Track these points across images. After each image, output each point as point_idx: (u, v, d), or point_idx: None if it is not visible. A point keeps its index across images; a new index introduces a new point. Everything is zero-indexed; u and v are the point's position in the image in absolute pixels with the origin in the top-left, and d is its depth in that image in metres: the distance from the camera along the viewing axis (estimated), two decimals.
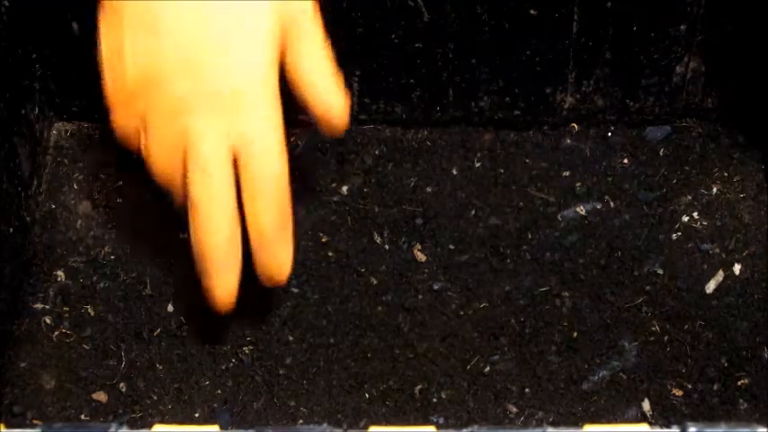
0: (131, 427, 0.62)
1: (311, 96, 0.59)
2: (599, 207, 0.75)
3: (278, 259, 0.58)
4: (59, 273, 0.73)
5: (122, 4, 0.56)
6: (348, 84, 0.76)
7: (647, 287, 0.72)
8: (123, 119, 0.58)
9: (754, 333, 0.70)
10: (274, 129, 0.55)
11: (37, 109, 0.77)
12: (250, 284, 0.73)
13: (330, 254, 0.74)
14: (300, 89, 0.59)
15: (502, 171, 0.77)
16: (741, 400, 0.67)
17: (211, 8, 0.55)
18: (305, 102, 0.59)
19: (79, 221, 0.76)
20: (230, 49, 0.54)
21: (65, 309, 0.72)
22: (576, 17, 0.72)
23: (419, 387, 0.69)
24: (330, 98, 0.59)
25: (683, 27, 0.72)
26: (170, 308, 0.72)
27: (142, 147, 0.57)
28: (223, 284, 0.58)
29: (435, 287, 0.72)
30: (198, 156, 0.54)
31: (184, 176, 0.56)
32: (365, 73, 0.76)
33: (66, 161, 0.78)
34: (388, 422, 0.67)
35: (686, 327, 0.70)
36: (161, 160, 0.56)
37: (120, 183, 0.77)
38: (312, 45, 0.58)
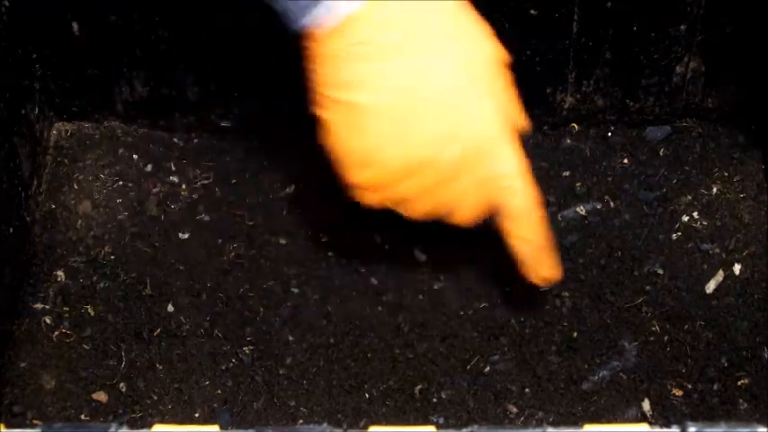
0: (131, 427, 0.62)
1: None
2: (599, 207, 0.75)
3: (549, 262, 0.64)
4: (59, 273, 0.73)
5: (359, 105, 0.57)
6: None
7: (647, 287, 0.72)
8: (380, 197, 0.60)
9: (754, 333, 0.70)
10: (523, 165, 0.60)
11: (37, 109, 0.77)
12: (250, 285, 0.73)
13: (330, 254, 0.74)
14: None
15: None
16: (741, 400, 0.67)
17: (448, 82, 0.57)
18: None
19: (79, 221, 0.76)
20: (475, 114, 0.57)
21: (65, 309, 0.72)
22: (576, 17, 0.72)
23: (419, 387, 0.69)
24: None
25: (683, 27, 0.72)
26: (170, 308, 0.72)
27: (408, 209, 0.61)
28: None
29: (435, 287, 0.72)
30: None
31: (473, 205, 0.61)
32: None
33: (66, 161, 0.78)
34: (388, 422, 0.67)
35: (686, 327, 0.70)
36: (435, 210, 0.61)
37: (120, 183, 0.77)
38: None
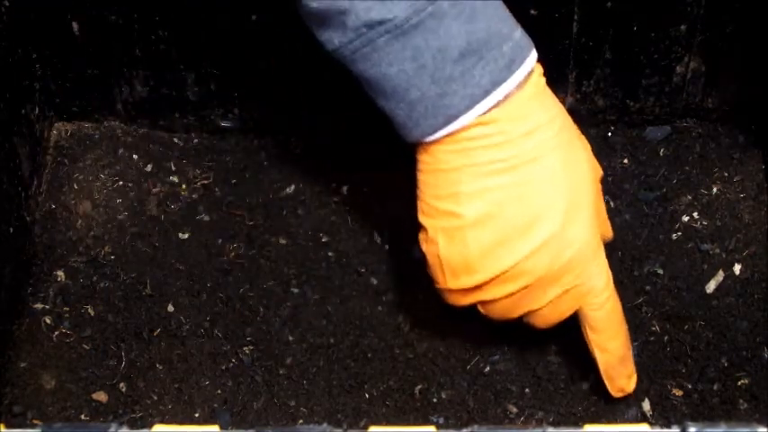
0: (131, 427, 0.62)
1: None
2: None
3: (627, 373, 0.66)
4: (59, 273, 0.73)
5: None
6: (348, 84, 0.76)
7: (647, 287, 0.72)
8: (470, 300, 0.63)
9: (754, 333, 0.70)
10: (609, 278, 0.63)
11: (37, 109, 0.77)
12: (250, 285, 0.73)
13: (330, 254, 0.74)
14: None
15: None
16: (741, 400, 0.67)
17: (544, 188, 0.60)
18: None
19: (79, 221, 0.76)
20: (576, 229, 0.61)
21: (65, 309, 0.72)
22: (576, 17, 0.72)
23: (419, 387, 0.69)
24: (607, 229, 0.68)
25: (683, 27, 0.72)
26: (170, 308, 0.72)
27: (495, 311, 0.64)
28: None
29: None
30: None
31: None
32: None
33: (66, 161, 0.78)
34: (388, 422, 0.67)
35: (686, 327, 0.70)
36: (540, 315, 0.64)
37: (120, 183, 0.77)
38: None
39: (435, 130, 0.58)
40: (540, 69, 0.61)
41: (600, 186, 0.65)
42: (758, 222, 0.74)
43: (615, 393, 0.66)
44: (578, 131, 0.64)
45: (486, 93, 0.57)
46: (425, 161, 0.61)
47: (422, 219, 0.62)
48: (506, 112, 0.58)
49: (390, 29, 0.56)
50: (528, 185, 0.59)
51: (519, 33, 0.60)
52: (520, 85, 0.59)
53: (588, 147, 0.64)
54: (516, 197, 0.59)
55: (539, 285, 0.61)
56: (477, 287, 0.62)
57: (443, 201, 0.60)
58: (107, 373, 0.69)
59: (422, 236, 0.63)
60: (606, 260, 0.62)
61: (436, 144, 0.59)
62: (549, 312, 0.63)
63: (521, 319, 0.64)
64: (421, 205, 0.62)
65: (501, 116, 0.58)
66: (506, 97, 0.58)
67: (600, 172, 0.65)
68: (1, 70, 0.71)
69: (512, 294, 0.61)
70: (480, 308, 0.63)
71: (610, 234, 0.67)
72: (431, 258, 0.63)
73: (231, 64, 0.75)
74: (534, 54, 0.60)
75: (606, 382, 0.65)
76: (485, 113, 0.58)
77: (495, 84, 0.58)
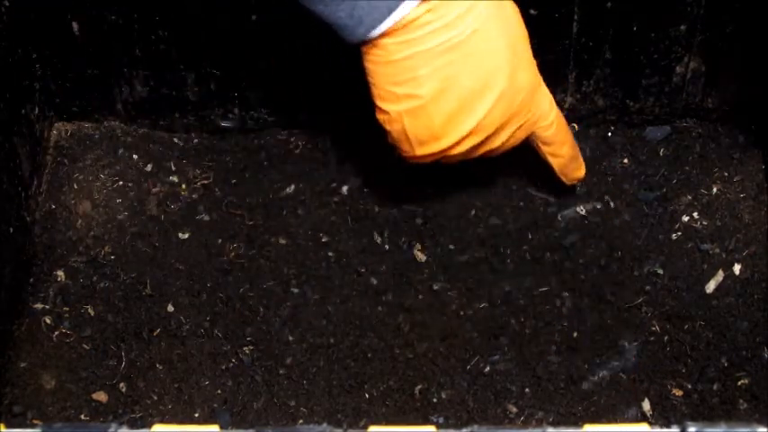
0: (131, 427, 0.62)
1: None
2: (599, 207, 0.75)
3: (577, 166, 0.73)
4: (59, 273, 0.73)
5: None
6: (348, 84, 0.76)
7: (647, 287, 0.72)
8: (436, 158, 0.68)
9: (754, 333, 0.70)
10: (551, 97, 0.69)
11: (37, 109, 0.77)
12: (250, 284, 0.73)
13: (330, 254, 0.74)
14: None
15: (502, 171, 0.77)
16: (741, 400, 0.67)
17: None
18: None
19: (79, 221, 0.76)
20: (518, 77, 0.65)
21: (65, 309, 0.72)
22: (576, 17, 0.72)
23: (419, 387, 0.69)
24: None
25: (683, 27, 0.72)
26: (170, 308, 0.72)
27: (457, 160, 0.68)
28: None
29: (435, 287, 0.72)
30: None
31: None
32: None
33: (66, 161, 0.78)
34: (388, 422, 0.67)
35: (686, 327, 0.70)
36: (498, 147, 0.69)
37: (120, 183, 0.77)
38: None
39: (379, 22, 0.61)
40: None
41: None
42: (758, 222, 0.74)
43: (570, 183, 0.74)
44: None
45: None
46: (376, 54, 0.63)
47: (381, 104, 0.66)
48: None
49: None
50: (474, 56, 0.63)
51: None
52: None
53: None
54: (466, 68, 0.63)
55: (496, 132, 0.66)
56: (447, 148, 0.66)
57: (402, 86, 0.64)
58: (107, 373, 0.69)
59: (382, 117, 0.66)
60: (544, 83, 0.67)
61: (384, 38, 0.62)
62: (505, 146, 0.68)
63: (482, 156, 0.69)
64: (377, 92, 0.65)
65: (438, 2, 0.61)
66: None
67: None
68: (1, 70, 0.71)
69: (476, 145, 0.66)
70: (448, 161, 0.68)
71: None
72: (396, 134, 0.66)
73: (231, 64, 0.75)
74: None
75: (561, 177, 0.73)
76: (423, 1, 0.61)
77: None
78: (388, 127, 0.66)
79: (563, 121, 0.70)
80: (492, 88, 0.64)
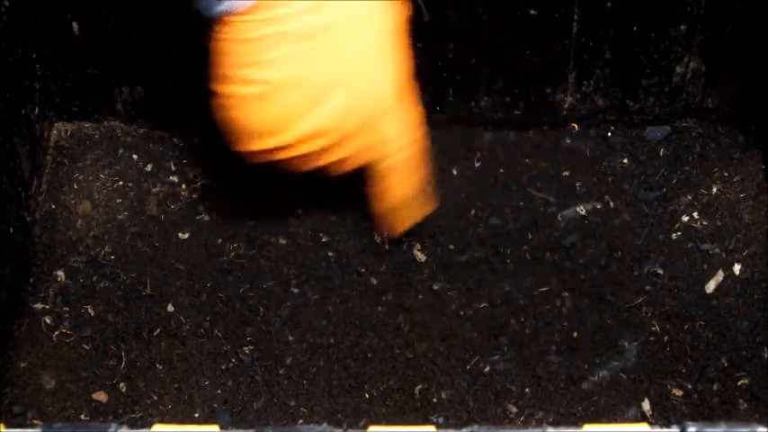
0: (131, 427, 0.62)
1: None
2: (599, 207, 0.75)
3: (398, 221, 0.70)
4: (59, 273, 0.73)
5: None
6: None
7: (647, 287, 0.72)
8: (274, 158, 0.65)
9: (754, 333, 0.70)
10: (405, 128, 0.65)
11: (37, 109, 0.77)
12: (250, 285, 0.73)
13: (330, 254, 0.74)
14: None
15: (502, 171, 0.77)
16: (741, 400, 0.67)
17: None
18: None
19: (79, 221, 0.76)
20: (376, 87, 0.62)
21: (65, 309, 0.72)
22: (576, 17, 0.72)
23: (419, 387, 0.69)
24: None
25: (683, 27, 0.72)
26: (170, 308, 0.72)
27: (297, 167, 0.66)
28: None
29: (435, 287, 0.72)
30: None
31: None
32: None
33: (66, 161, 0.78)
34: (388, 422, 0.67)
35: (686, 327, 0.70)
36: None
37: (120, 183, 0.77)
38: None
39: (238, 4, 0.58)
40: None
41: (404, 30, 0.64)
42: (758, 222, 0.74)
43: (378, 234, 0.70)
44: None
45: None
46: (224, 31, 0.60)
47: (224, 87, 0.62)
48: None
49: None
50: (330, 50, 0.59)
51: None
52: None
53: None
54: (320, 62, 0.60)
55: (339, 143, 0.63)
56: (280, 147, 0.62)
57: (247, 68, 0.60)
58: (107, 373, 0.69)
59: (223, 101, 0.63)
60: (408, 110, 0.64)
61: (239, 15, 0.59)
62: (346, 163, 0.65)
63: (320, 171, 0.65)
64: (223, 72, 0.62)
65: None
66: None
67: (404, 13, 0.65)
68: (1, 70, 0.71)
69: (311, 153, 0.63)
70: (281, 164, 0.64)
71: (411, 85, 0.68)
72: (233, 123, 0.63)
73: None
74: None
75: (376, 222, 0.70)
76: None
77: None
78: (226, 113, 0.63)
79: (411, 162, 0.66)
80: (343, 90, 0.60)
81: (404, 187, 0.66)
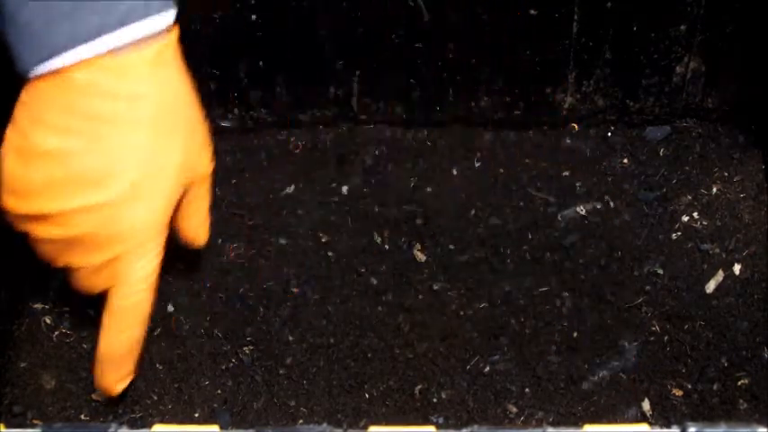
0: (131, 427, 0.62)
1: (185, 228, 0.67)
2: (599, 207, 0.75)
3: (118, 375, 0.66)
4: (59, 273, 0.73)
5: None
6: (348, 84, 0.76)
7: (647, 287, 0.72)
8: (24, 226, 0.63)
9: (754, 333, 0.70)
10: (152, 277, 0.63)
11: None
12: (250, 285, 0.73)
13: (330, 254, 0.74)
14: (180, 220, 0.66)
15: (502, 171, 0.77)
16: (741, 400, 0.67)
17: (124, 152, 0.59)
18: (179, 227, 0.67)
19: None
20: (140, 197, 0.59)
21: (65, 309, 0.72)
22: (576, 17, 0.72)
23: (419, 387, 0.69)
24: (198, 235, 0.69)
25: (683, 27, 0.72)
26: (170, 308, 0.72)
27: (41, 248, 0.63)
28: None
29: (435, 287, 0.72)
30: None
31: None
32: (365, 73, 0.76)
33: None
34: (388, 422, 0.67)
35: (686, 327, 0.70)
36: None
37: None
38: (201, 201, 0.67)
39: (37, 63, 0.56)
40: (172, 43, 0.59)
41: (201, 190, 0.65)
42: (758, 222, 0.74)
43: (96, 387, 0.66)
44: (201, 129, 0.63)
45: (91, 37, 0.55)
46: (27, 87, 0.58)
47: (8, 131, 0.60)
48: (113, 65, 0.56)
49: None
50: (107, 143, 0.57)
51: None
52: (137, 45, 0.57)
53: (205, 147, 0.64)
54: (92, 149, 0.57)
55: (81, 245, 0.60)
56: (29, 217, 0.60)
57: (27, 121, 0.58)
58: None
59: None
60: (159, 260, 0.62)
61: (40, 80, 0.57)
62: (84, 277, 0.62)
63: (67, 272, 0.63)
64: (11, 120, 0.59)
65: (106, 67, 0.56)
66: (115, 51, 0.56)
67: (203, 173, 0.64)
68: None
69: (56, 240, 0.60)
70: (31, 242, 0.62)
71: (199, 241, 0.68)
72: None
73: (231, 64, 0.75)
74: (167, 20, 0.58)
75: (95, 372, 0.65)
76: (89, 59, 0.56)
77: (102, 31, 0.55)
78: None
79: (143, 312, 0.63)
80: (101, 189, 0.58)
81: (130, 337, 0.64)
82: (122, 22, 0.56)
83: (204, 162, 0.64)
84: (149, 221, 0.60)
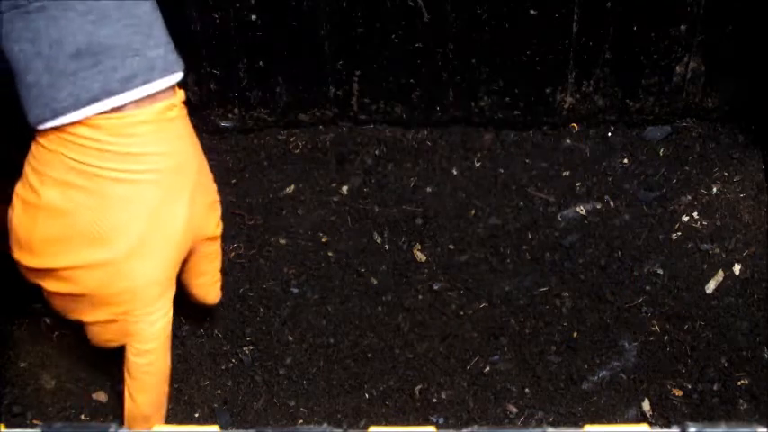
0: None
1: (194, 287, 0.68)
2: (599, 207, 0.75)
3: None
4: None
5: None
6: (348, 84, 0.76)
7: (647, 287, 0.72)
8: (35, 281, 0.63)
9: (754, 333, 0.70)
10: (165, 333, 0.63)
11: None
12: (250, 285, 0.73)
13: (330, 254, 0.74)
14: (188, 279, 0.67)
15: (502, 171, 0.77)
16: (741, 400, 0.67)
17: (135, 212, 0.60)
18: (188, 288, 0.67)
19: None
20: (145, 254, 0.60)
21: None
22: (575, 17, 0.72)
23: (419, 387, 0.69)
24: (209, 294, 0.69)
25: (683, 27, 0.72)
26: None
27: (53, 303, 0.64)
28: None
29: (435, 287, 0.72)
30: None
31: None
32: (365, 73, 0.76)
33: None
34: (388, 422, 0.67)
35: (686, 327, 0.70)
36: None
37: None
38: (210, 262, 0.67)
39: (42, 121, 0.57)
40: (179, 102, 0.60)
41: (210, 250, 0.65)
42: (758, 222, 0.74)
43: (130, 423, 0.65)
44: (209, 189, 0.64)
45: (94, 99, 0.57)
46: (35, 140, 0.59)
47: (18, 184, 0.61)
48: (116, 124, 0.58)
49: (18, 5, 0.55)
50: (110, 202, 0.58)
51: (157, 53, 0.58)
52: (139, 105, 0.58)
53: (213, 207, 0.65)
54: (95, 206, 0.58)
55: (88, 300, 0.61)
56: (37, 270, 0.61)
57: (34, 175, 0.59)
58: (107, 373, 0.69)
59: (12, 205, 0.62)
60: (169, 319, 0.62)
61: (46, 135, 0.58)
62: (96, 332, 0.63)
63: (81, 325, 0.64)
64: (24, 170, 0.61)
65: (108, 126, 0.57)
66: (119, 110, 0.57)
67: (212, 233, 0.65)
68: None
69: (64, 295, 0.61)
70: (45, 295, 0.63)
71: (209, 300, 0.69)
72: (8, 223, 0.62)
73: (231, 64, 0.75)
74: (171, 81, 0.59)
75: (126, 425, 0.64)
76: (91, 117, 0.57)
77: (106, 93, 0.57)
78: (9, 211, 0.62)
79: (163, 369, 0.63)
80: (103, 247, 0.59)
81: (152, 395, 0.63)
82: (125, 87, 0.57)
83: (212, 222, 0.65)
84: (154, 278, 0.61)
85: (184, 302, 0.72)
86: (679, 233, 0.74)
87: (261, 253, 0.74)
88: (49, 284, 0.61)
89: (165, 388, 0.64)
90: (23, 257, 0.61)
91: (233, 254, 0.74)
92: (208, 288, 0.68)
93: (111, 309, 0.61)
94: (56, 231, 0.59)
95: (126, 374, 0.63)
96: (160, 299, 0.61)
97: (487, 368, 0.69)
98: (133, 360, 0.62)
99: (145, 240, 0.59)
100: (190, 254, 0.64)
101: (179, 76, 0.60)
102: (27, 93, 0.57)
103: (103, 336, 0.62)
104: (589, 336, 0.70)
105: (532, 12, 0.71)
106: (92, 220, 0.58)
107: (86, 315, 0.62)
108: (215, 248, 0.66)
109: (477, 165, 0.77)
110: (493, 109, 0.77)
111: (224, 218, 0.75)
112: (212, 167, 0.78)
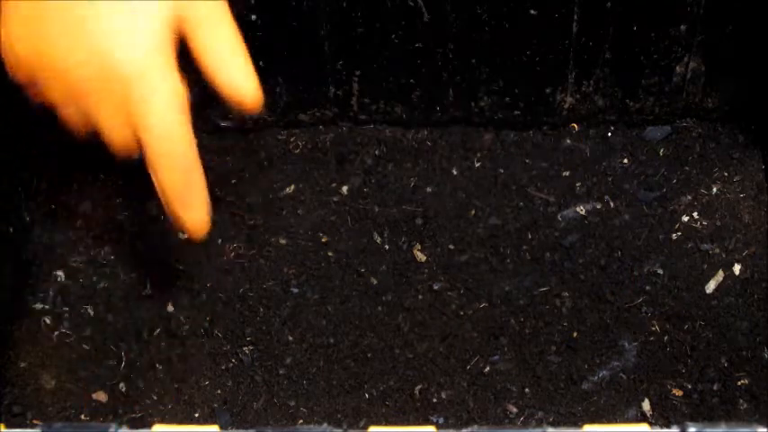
0: (131, 427, 0.62)
1: (219, 78, 0.61)
2: (599, 207, 0.75)
3: (192, 208, 0.62)
4: (59, 273, 0.73)
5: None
6: (348, 84, 0.76)
7: (647, 287, 0.72)
8: (31, 91, 0.61)
9: (754, 333, 0.70)
10: (169, 108, 0.59)
11: None
12: (250, 285, 0.73)
13: (330, 254, 0.74)
14: (208, 72, 0.61)
15: (502, 171, 0.77)
16: (741, 400, 0.67)
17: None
18: (215, 84, 0.61)
19: (79, 221, 0.76)
20: (118, 36, 0.57)
21: (65, 309, 0.72)
22: (575, 17, 0.72)
23: (419, 387, 0.69)
24: (239, 79, 0.62)
25: (683, 27, 0.72)
26: (170, 308, 0.72)
27: (61, 112, 0.61)
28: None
29: (435, 287, 0.72)
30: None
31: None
32: (365, 73, 0.76)
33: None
34: (388, 422, 0.67)
35: (686, 327, 0.70)
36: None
37: (120, 182, 0.77)
38: (215, 28, 0.61)
39: None
40: None
41: (213, 29, 0.61)
42: (758, 222, 0.74)
43: (185, 231, 0.62)
44: None
45: None
46: None
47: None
48: None
49: None
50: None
51: None
52: None
53: None
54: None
55: (89, 95, 0.58)
56: (32, 82, 0.59)
57: None
58: (107, 373, 0.69)
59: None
60: (182, 98, 0.60)
61: None
62: (116, 134, 0.59)
63: (100, 138, 0.60)
64: None
65: None
66: None
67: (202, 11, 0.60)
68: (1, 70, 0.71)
69: (65, 96, 0.59)
70: (59, 120, 0.60)
71: (248, 93, 0.62)
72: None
73: None
74: None
75: (172, 218, 0.61)
76: None
77: None
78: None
79: (183, 150, 0.60)
80: (88, 33, 0.56)
81: (176, 163, 0.60)
82: None
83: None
84: (143, 46, 0.57)
85: (184, 302, 0.72)
86: (679, 233, 0.74)
87: (261, 253, 0.74)
88: (50, 91, 0.59)
89: (193, 159, 0.60)
90: (16, 69, 0.59)
91: (233, 254, 0.74)
92: (234, 75, 0.61)
93: (113, 96, 0.58)
94: (32, 32, 0.57)
95: (149, 161, 0.59)
96: (160, 71, 0.58)
97: (487, 368, 0.69)
98: (149, 136, 0.58)
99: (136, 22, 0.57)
100: (185, 30, 0.60)
101: None
102: None
103: (123, 132, 0.59)
104: (589, 336, 0.70)
105: (532, 12, 0.71)
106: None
107: (95, 115, 0.58)
108: (223, 29, 0.61)
109: (477, 165, 0.77)
110: (493, 109, 0.77)
111: (224, 218, 0.76)
112: (212, 167, 0.78)
